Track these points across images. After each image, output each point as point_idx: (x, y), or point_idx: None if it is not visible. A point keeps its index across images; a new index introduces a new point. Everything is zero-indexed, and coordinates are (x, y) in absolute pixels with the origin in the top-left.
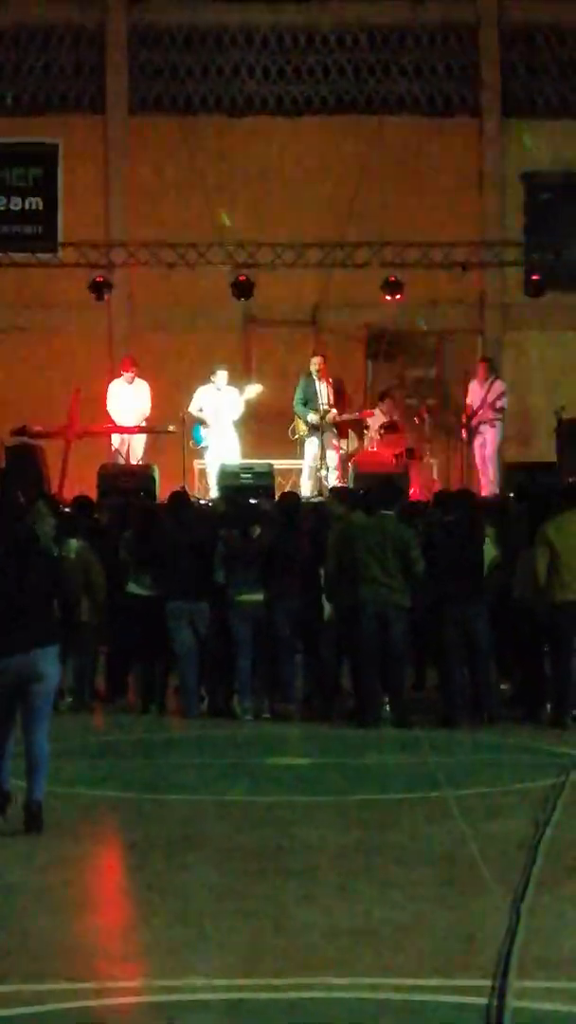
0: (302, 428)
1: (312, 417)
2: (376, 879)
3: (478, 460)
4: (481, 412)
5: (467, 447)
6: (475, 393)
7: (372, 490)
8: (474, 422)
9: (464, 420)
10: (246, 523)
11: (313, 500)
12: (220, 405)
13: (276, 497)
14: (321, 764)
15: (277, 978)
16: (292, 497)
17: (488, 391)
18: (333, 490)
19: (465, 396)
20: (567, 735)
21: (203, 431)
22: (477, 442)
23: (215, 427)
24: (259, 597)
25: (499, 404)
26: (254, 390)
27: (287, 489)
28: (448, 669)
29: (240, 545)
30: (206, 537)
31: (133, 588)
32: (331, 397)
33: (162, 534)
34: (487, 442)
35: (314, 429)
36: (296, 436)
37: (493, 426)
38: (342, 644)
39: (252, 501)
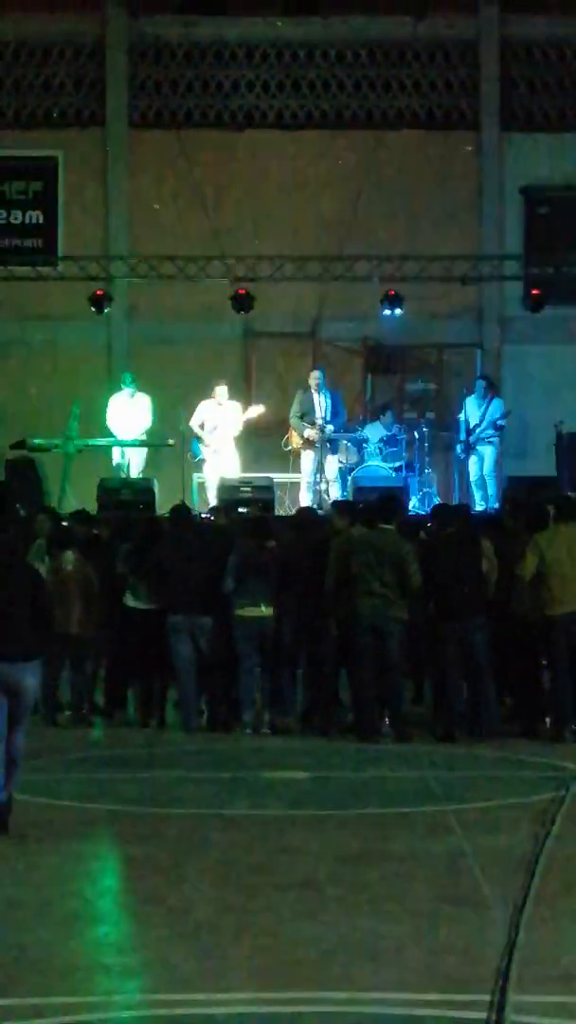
0: (296, 440)
1: (309, 432)
2: (375, 893)
3: (473, 476)
4: (479, 430)
5: (464, 463)
6: (472, 410)
7: (371, 504)
8: (472, 439)
9: (466, 437)
10: (262, 536)
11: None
12: (221, 420)
13: (271, 511)
14: (320, 778)
15: (277, 992)
16: (307, 512)
17: (487, 409)
18: (335, 504)
19: (458, 412)
20: (566, 749)
21: (200, 445)
22: (473, 459)
23: (215, 442)
24: (266, 612)
25: (500, 423)
26: (256, 411)
27: (286, 503)
28: (446, 683)
29: (255, 557)
30: (207, 551)
31: (131, 601)
32: (329, 411)
33: (163, 547)
34: (485, 459)
35: (309, 443)
36: (288, 448)
37: (491, 443)
38: (342, 658)
39: (248, 513)
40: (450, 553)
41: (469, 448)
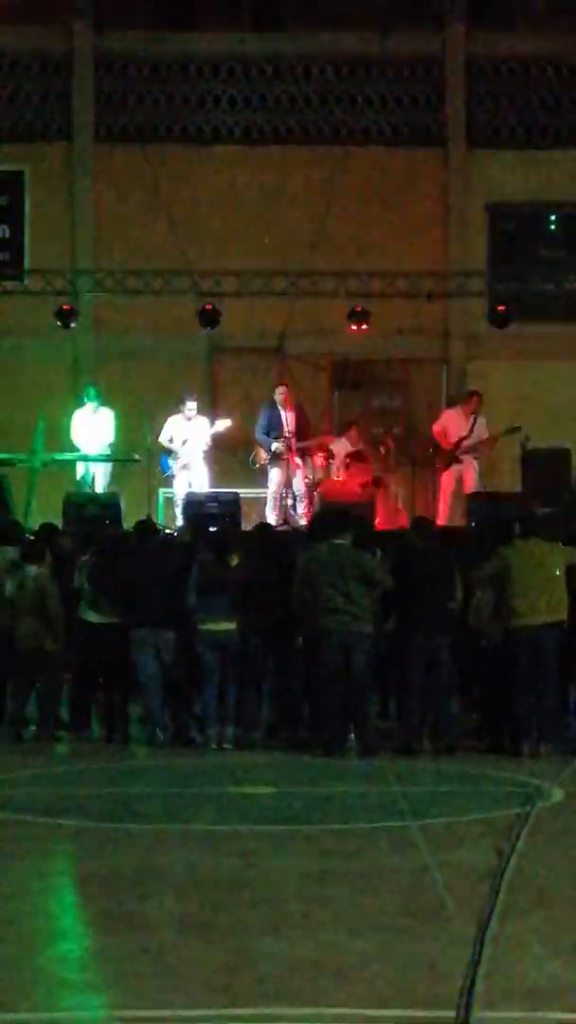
0: (263, 457)
1: (275, 446)
2: (340, 909)
3: (445, 492)
4: (466, 444)
5: (436, 476)
6: (459, 424)
7: (325, 520)
8: (458, 453)
9: (453, 447)
10: (224, 550)
11: (280, 529)
12: (190, 434)
13: (237, 526)
14: (285, 793)
15: (241, 1009)
16: (267, 527)
17: (475, 425)
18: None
19: (433, 423)
20: (531, 764)
21: (171, 460)
22: (452, 474)
23: (184, 457)
24: (229, 626)
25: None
26: (224, 424)
27: (253, 518)
28: (409, 697)
29: (216, 572)
30: (172, 565)
31: (91, 616)
32: (293, 426)
33: (128, 562)
34: (464, 476)
35: (276, 458)
36: (257, 466)
37: (475, 460)
38: (307, 673)
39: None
40: (423, 567)
41: (453, 460)
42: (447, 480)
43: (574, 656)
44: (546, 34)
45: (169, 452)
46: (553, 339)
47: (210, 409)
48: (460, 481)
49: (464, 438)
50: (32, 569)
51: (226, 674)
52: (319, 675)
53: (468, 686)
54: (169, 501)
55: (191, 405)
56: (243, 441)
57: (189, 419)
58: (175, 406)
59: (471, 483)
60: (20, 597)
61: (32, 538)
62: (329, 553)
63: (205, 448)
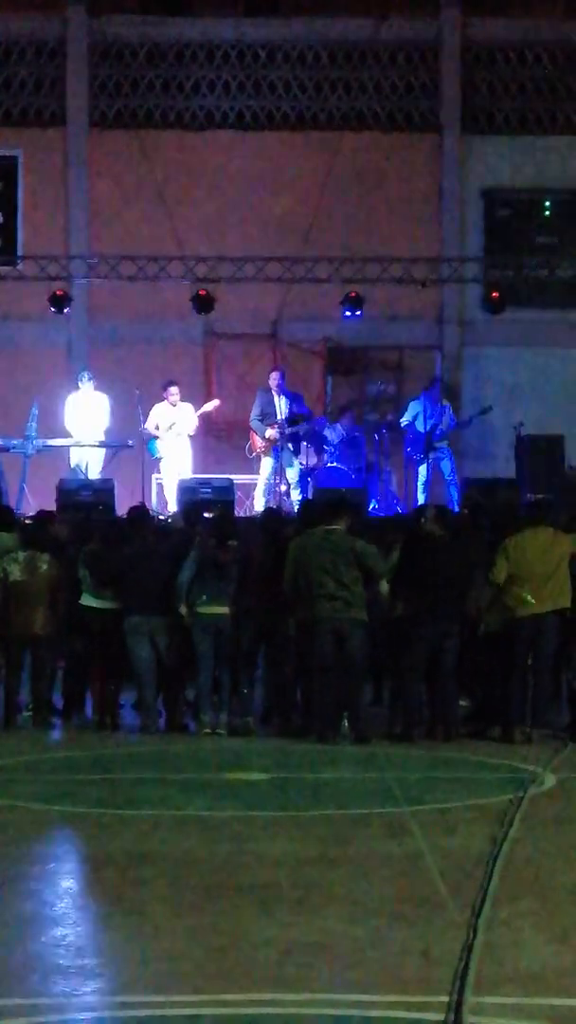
0: (259, 445)
1: (269, 432)
2: (333, 895)
3: (423, 479)
4: (438, 432)
5: (418, 466)
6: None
7: (319, 505)
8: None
9: (425, 439)
10: (226, 535)
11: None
12: (175, 420)
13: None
14: (279, 779)
15: (234, 994)
16: (273, 513)
17: (446, 414)
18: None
19: (404, 414)
20: (524, 751)
21: (158, 443)
22: (432, 464)
23: (170, 442)
24: (223, 610)
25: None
26: (211, 405)
27: (247, 504)
28: (409, 685)
29: (215, 556)
30: (166, 552)
31: (89, 601)
32: (288, 412)
33: (122, 548)
34: (445, 465)
35: (269, 444)
36: (253, 454)
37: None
38: (300, 659)
39: (209, 515)
40: (439, 556)
41: (429, 450)
42: (424, 469)
43: (569, 643)
44: (541, 20)
45: (155, 436)
46: (547, 325)
47: (204, 395)
48: (437, 469)
49: (436, 426)
50: (44, 556)
51: (220, 660)
52: (313, 662)
53: (462, 673)
54: (162, 487)
55: (174, 391)
56: (236, 426)
57: (174, 405)
58: (159, 393)
59: (448, 469)
60: (31, 583)
61: (33, 525)
62: (323, 539)
63: (191, 433)
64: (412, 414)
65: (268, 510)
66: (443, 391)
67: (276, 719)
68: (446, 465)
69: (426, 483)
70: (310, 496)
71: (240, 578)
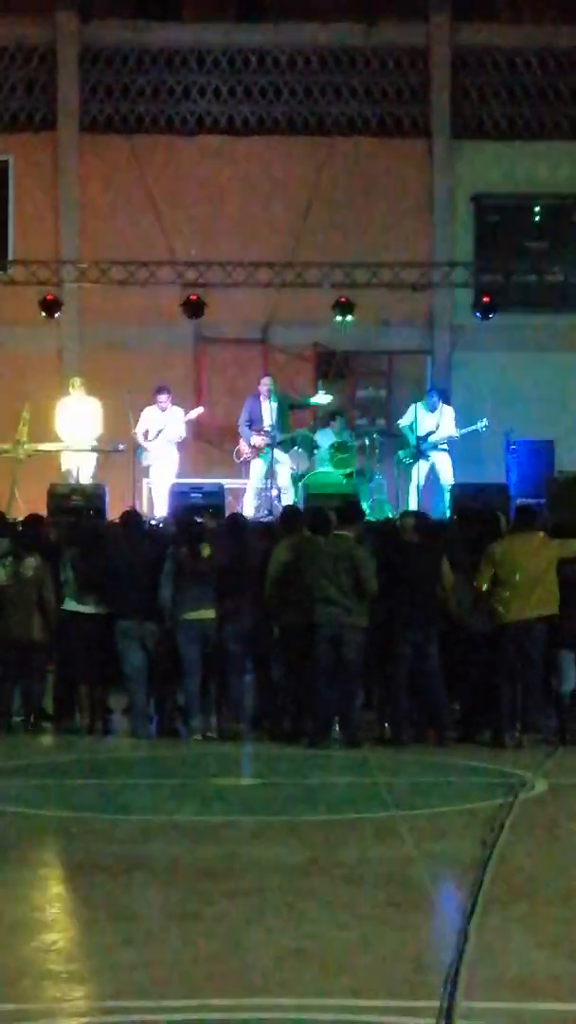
0: (245, 451)
1: (256, 439)
2: (324, 900)
3: (418, 483)
4: (432, 438)
5: (408, 470)
6: (424, 418)
7: (327, 510)
8: (424, 447)
9: (416, 444)
10: (195, 542)
11: (264, 520)
12: (163, 424)
13: (221, 517)
14: (270, 784)
15: (225, 999)
16: (239, 516)
17: (441, 418)
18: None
19: (399, 419)
20: (514, 756)
21: (144, 453)
22: (423, 468)
23: (159, 447)
24: (208, 615)
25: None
26: (196, 412)
27: (238, 509)
28: (398, 689)
29: (189, 564)
30: (157, 557)
31: (72, 606)
32: (276, 418)
33: (113, 553)
34: (441, 469)
35: (256, 450)
36: (240, 460)
37: (446, 451)
38: (287, 663)
39: (199, 520)
40: (415, 561)
41: (420, 455)
42: (417, 472)
43: (558, 648)
44: (530, 26)
45: (142, 447)
46: (537, 330)
47: (194, 400)
48: (432, 473)
49: (431, 432)
50: (30, 560)
51: (209, 664)
52: (309, 666)
53: (451, 677)
54: (151, 492)
55: (164, 396)
56: (228, 432)
57: (164, 410)
58: (149, 397)
59: (447, 477)
60: (17, 587)
61: (21, 529)
62: (331, 544)
63: (179, 439)
64: (412, 417)
65: (232, 515)
66: (440, 396)
67: (266, 723)
68: (444, 468)
69: (420, 487)
70: (302, 501)
71: (219, 583)
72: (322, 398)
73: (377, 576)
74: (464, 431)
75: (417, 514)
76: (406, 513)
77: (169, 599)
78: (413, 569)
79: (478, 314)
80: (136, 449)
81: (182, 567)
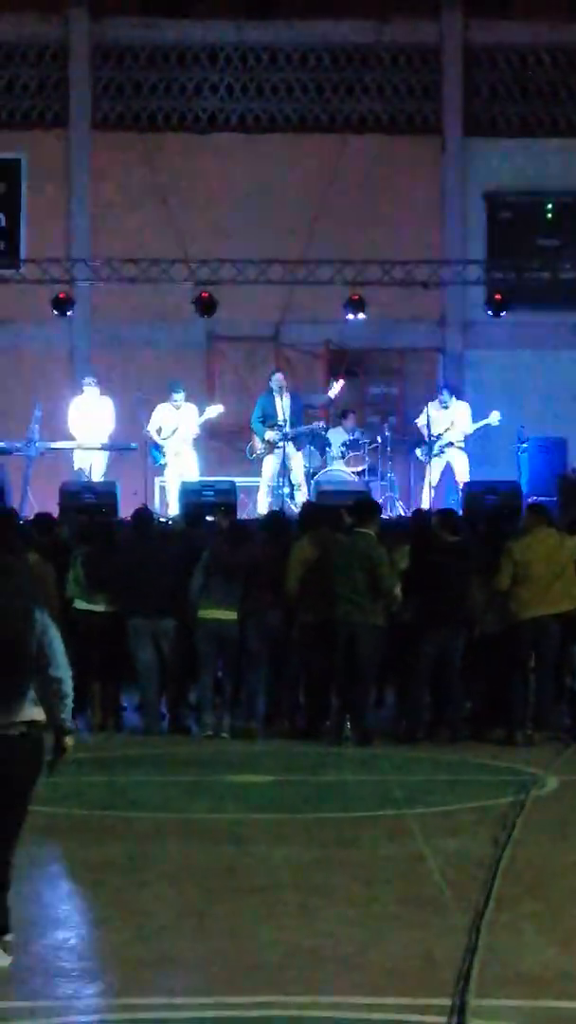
0: (259, 447)
1: (270, 435)
2: (336, 897)
3: (435, 481)
4: (448, 435)
5: (424, 467)
6: (439, 415)
7: (347, 507)
8: (442, 445)
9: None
10: (238, 539)
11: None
12: (178, 423)
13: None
14: (282, 782)
15: (237, 996)
16: (278, 515)
17: (456, 413)
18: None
19: (416, 417)
20: (526, 753)
21: (159, 452)
22: (438, 466)
23: (174, 445)
24: (228, 616)
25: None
26: (215, 410)
27: (249, 506)
28: (419, 687)
29: (227, 559)
30: (169, 554)
31: (82, 604)
32: (290, 414)
33: (125, 551)
34: (456, 467)
35: (271, 447)
36: (253, 456)
37: (463, 449)
38: (305, 661)
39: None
40: (447, 561)
41: (436, 454)
42: (433, 472)
43: (569, 644)
44: (543, 23)
45: (157, 444)
46: (549, 328)
47: (206, 397)
48: (448, 472)
49: (447, 429)
50: (30, 557)
51: (224, 661)
52: (326, 663)
53: (463, 674)
54: (164, 490)
55: (178, 393)
56: (238, 429)
57: (178, 407)
58: (162, 395)
59: (462, 473)
60: None
61: (32, 527)
62: (351, 541)
63: (195, 436)
64: (427, 417)
65: (273, 512)
66: (452, 392)
67: (279, 721)
68: (460, 467)
69: (435, 485)
70: (312, 499)
71: (246, 581)
72: (334, 388)
73: (407, 574)
74: (478, 425)
75: (447, 512)
76: (441, 512)
77: (198, 591)
78: (445, 568)
79: (490, 312)
80: (151, 448)
81: (217, 560)
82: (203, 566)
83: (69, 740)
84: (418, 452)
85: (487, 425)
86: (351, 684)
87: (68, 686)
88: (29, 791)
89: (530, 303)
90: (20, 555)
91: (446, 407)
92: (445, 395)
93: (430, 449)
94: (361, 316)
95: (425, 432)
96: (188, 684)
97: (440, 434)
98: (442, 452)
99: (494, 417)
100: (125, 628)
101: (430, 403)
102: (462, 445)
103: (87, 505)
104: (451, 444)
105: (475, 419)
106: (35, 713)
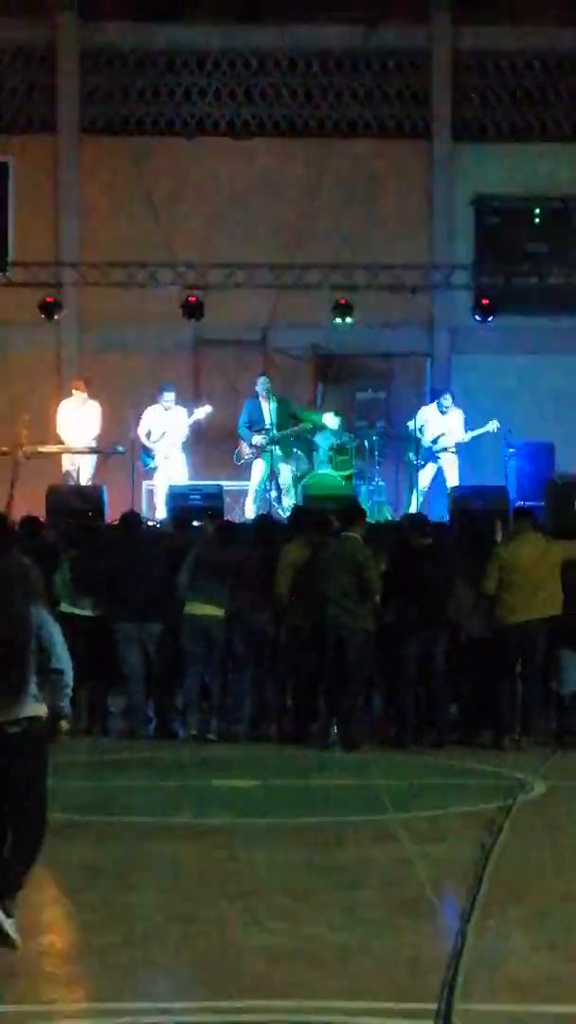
0: (246, 452)
1: (256, 439)
2: (322, 902)
3: (423, 486)
4: (443, 440)
5: (415, 472)
6: (437, 420)
7: (331, 511)
8: (436, 449)
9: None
10: (229, 539)
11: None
12: (168, 426)
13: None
14: (269, 786)
15: (224, 1001)
16: (267, 519)
17: (452, 419)
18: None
19: (409, 420)
20: (514, 758)
21: (149, 457)
22: (430, 471)
23: (163, 448)
24: (214, 611)
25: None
26: (204, 411)
27: (236, 510)
28: (404, 691)
29: (215, 558)
30: (157, 558)
31: (67, 608)
32: (276, 418)
33: (112, 555)
34: (448, 472)
35: (258, 451)
36: (241, 461)
37: (455, 454)
38: (292, 665)
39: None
40: (422, 564)
41: (430, 457)
42: (424, 476)
43: (556, 649)
44: (531, 28)
45: (147, 450)
46: (537, 332)
47: (194, 401)
48: (438, 476)
49: (441, 434)
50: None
51: (210, 664)
52: (314, 667)
53: (450, 679)
54: (152, 493)
55: (168, 396)
56: (226, 433)
57: (167, 410)
58: (152, 397)
59: (452, 477)
60: None
61: (18, 530)
62: (339, 545)
63: (184, 439)
64: (422, 420)
65: (261, 516)
66: (452, 398)
67: (266, 725)
68: (451, 471)
69: (424, 489)
70: (300, 503)
71: (233, 583)
72: (331, 420)
73: (383, 577)
74: (475, 433)
75: (420, 516)
76: (410, 515)
77: (185, 586)
78: (421, 571)
79: (478, 316)
80: (141, 453)
81: (204, 558)
82: (190, 563)
83: (64, 724)
84: (411, 456)
85: (486, 433)
86: (339, 688)
87: (69, 676)
88: (37, 787)
89: (518, 308)
90: (15, 554)
91: (445, 412)
92: (447, 400)
93: (430, 452)
94: (349, 320)
95: (419, 435)
96: (175, 688)
97: (436, 438)
98: (437, 457)
99: (492, 425)
100: (111, 632)
101: (426, 407)
102: (454, 450)
103: (75, 509)
104: (445, 449)
105: (466, 426)
106: (37, 709)
